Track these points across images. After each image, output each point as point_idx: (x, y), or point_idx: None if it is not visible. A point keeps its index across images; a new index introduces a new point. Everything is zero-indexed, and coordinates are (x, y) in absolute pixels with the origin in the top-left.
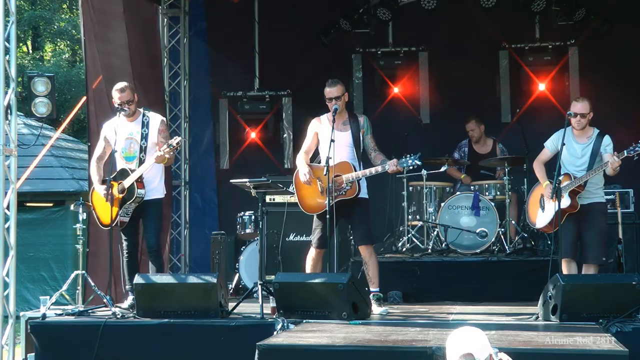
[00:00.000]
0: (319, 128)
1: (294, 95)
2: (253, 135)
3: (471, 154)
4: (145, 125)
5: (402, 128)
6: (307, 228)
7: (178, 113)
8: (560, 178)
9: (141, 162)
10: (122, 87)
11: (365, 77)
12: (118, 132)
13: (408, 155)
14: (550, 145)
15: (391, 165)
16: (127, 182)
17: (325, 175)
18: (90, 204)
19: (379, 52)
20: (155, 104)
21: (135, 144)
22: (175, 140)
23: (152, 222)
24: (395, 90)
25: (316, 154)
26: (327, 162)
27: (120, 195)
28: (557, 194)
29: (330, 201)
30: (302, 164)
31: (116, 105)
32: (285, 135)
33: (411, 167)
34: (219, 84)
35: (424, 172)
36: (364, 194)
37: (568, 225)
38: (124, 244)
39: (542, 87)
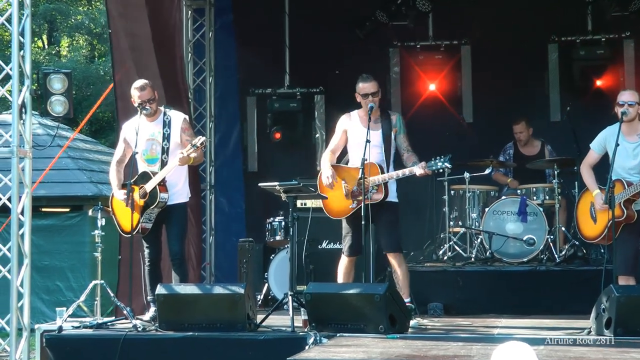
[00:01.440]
0: (349, 125)
1: (326, 92)
2: (280, 135)
3: (517, 155)
4: (166, 124)
5: (442, 127)
6: (341, 235)
7: (203, 112)
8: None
9: (164, 164)
10: (142, 85)
11: (403, 73)
12: (139, 133)
13: (438, 157)
14: (597, 145)
15: (419, 169)
16: (149, 186)
17: (359, 179)
18: (110, 209)
19: (418, 46)
20: (179, 101)
21: (157, 145)
22: (199, 140)
23: (175, 228)
24: (432, 87)
25: (344, 153)
26: (362, 164)
27: (142, 200)
28: (610, 203)
29: (361, 205)
30: (325, 165)
31: (136, 105)
32: (317, 136)
33: (441, 170)
34: (247, 81)
35: (466, 175)
36: (392, 197)
37: (624, 237)
38: (146, 251)
39: (596, 82)
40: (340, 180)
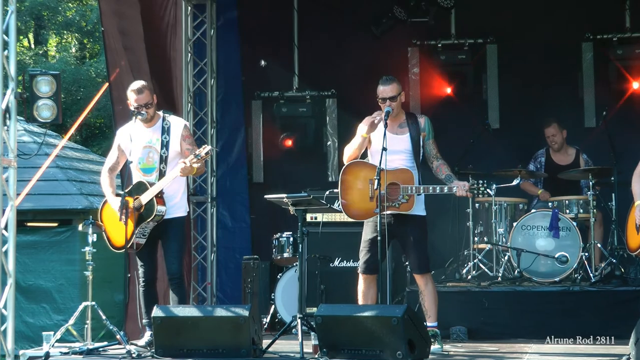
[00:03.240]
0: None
1: (339, 95)
2: (291, 142)
3: (549, 164)
4: (165, 131)
5: (465, 134)
6: (355, 252)
7: (204, 117)
8: None
9: (162, 174)
10: (140, 88)
11: (423, 74)
12: (134, 140)
13: (481, 181)
14: None
15: (460, 190)
16: (145, 198)
17: (375, 189)
18: (100, 222)
19: (440, 45)
20: (174, 107)
21: (155, 154)
22: (204, 150)
23: (174, 245)
24: (454, 90)
25: (363, 157)
26: (378, 174)
27: (136, 213)
28: None
29: (382, 218)
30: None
31: (132, 109)
32: (329, 143)
33: (484, 196)
34: (252, 83)
35: (492, 186)
36: (420, 210)
37: None
38: (140, 270)
39: (635, 85)
40: (367, 180)
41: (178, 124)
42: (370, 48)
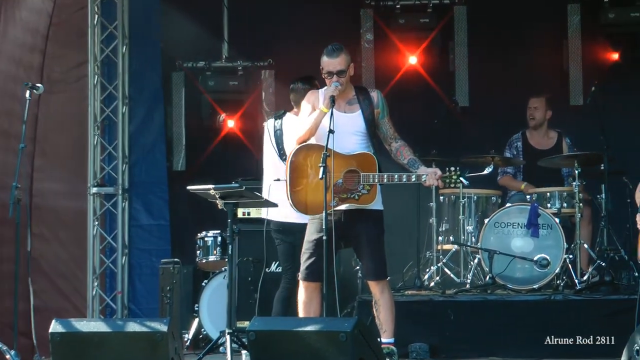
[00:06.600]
0: (319, 105)
1: (277, 66)
2: (231, 123)
3: (527, 150)
4: None
5: (428, 112)
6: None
7: (114, 91)
8: None
9: None
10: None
11: (378, 41)
12: None
13: (453, 169)
14: None
15: (431, 178)
16: None
17: (320, 177)
18: None
19: (398, 6)
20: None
21: None
22: None
23: None
24: (414, 60)
25: None
26: (323, 160)
27: None
28: None
29: (340, 206)
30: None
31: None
32: (265, 123)
33: (455, 186)
34: (173, 51)
35: (465, 174)
36: (378, 204)
37: None
38: None
39: (628, 55)
40: (320, 167)
41: None
42: (315, 9)
